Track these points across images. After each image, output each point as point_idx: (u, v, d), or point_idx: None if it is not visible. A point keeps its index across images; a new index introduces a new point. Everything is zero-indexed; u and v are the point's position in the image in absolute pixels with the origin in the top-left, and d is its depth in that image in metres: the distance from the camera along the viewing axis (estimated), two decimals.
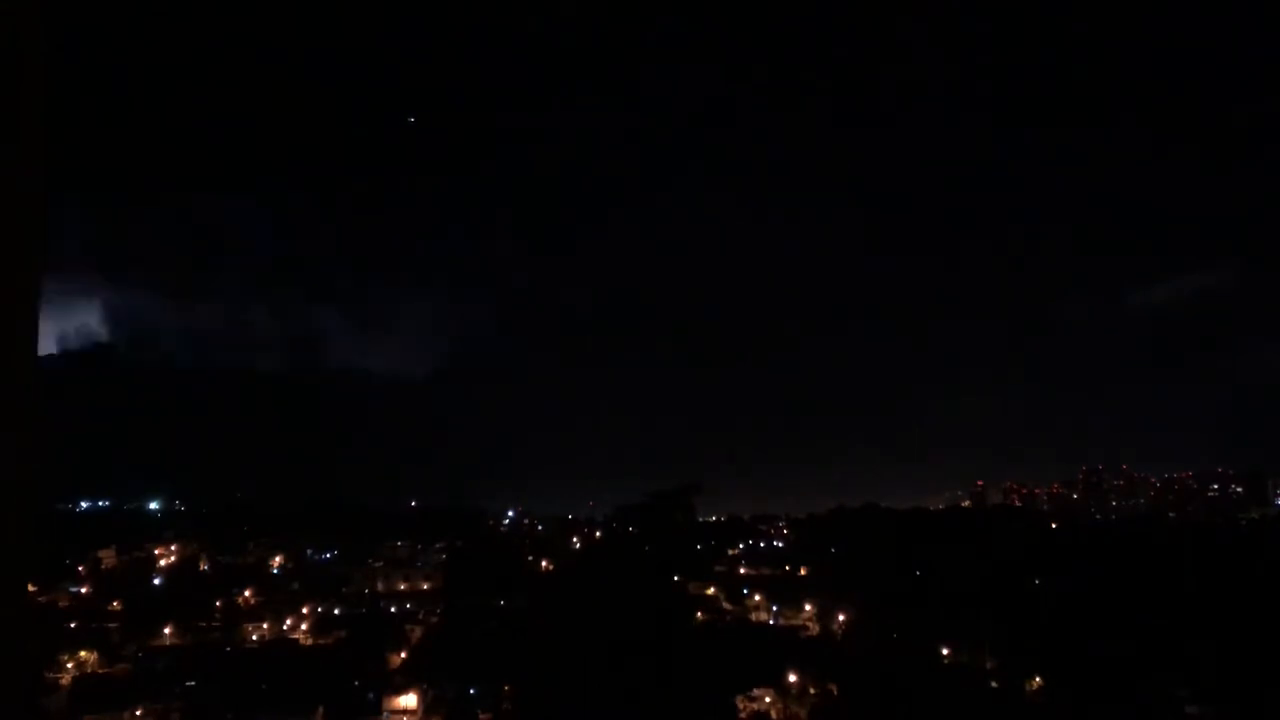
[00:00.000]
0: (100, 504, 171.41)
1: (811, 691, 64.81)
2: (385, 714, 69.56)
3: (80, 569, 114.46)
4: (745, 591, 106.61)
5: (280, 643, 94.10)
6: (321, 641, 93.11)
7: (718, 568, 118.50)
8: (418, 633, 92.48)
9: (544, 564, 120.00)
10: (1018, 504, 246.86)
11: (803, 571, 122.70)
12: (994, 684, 63.51)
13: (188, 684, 71.46)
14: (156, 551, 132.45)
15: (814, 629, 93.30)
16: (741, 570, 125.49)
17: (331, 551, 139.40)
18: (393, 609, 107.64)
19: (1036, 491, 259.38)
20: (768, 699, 64.52)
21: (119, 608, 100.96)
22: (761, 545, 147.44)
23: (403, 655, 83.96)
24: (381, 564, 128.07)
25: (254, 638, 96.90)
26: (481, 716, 63.13)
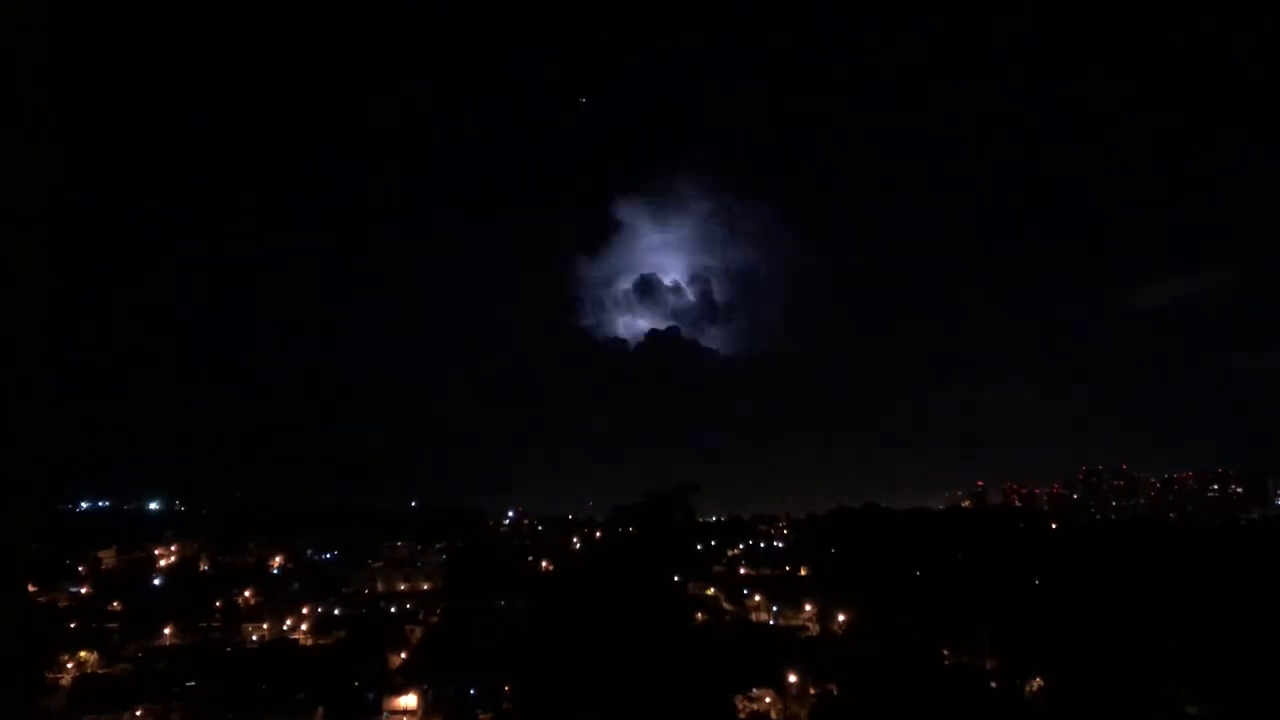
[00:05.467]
0: (100, 504, 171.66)
1: (811, 691, 64.76)
2: (385, 714, 69.46)
3: (80, 569, 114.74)
4: (745, 592, 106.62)
5: (280, 643, 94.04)
6: (321, 642, 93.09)
7: (717, 568, 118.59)
8: (418, 633, 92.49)
9: (543, 564, 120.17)
10: (1018, 504, 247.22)
11: (803, 571, 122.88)
12: (994, 684, 63.43)
13: (188, 684, 71.39)
14: (156, 551, 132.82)
15: (814, 629, 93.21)
16: (741, 570, 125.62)
17: (331, 551, 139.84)
18: (393, 609, 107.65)
19: (1036, 491, 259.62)
20: (768, 699, 64.47)
21: (119, 608, 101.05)
22: (761, 545, 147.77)
23: (403, 655, 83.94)
24: (381, 564, 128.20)
25: (254, 638, 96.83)
26: (481, 717, 63.12)
